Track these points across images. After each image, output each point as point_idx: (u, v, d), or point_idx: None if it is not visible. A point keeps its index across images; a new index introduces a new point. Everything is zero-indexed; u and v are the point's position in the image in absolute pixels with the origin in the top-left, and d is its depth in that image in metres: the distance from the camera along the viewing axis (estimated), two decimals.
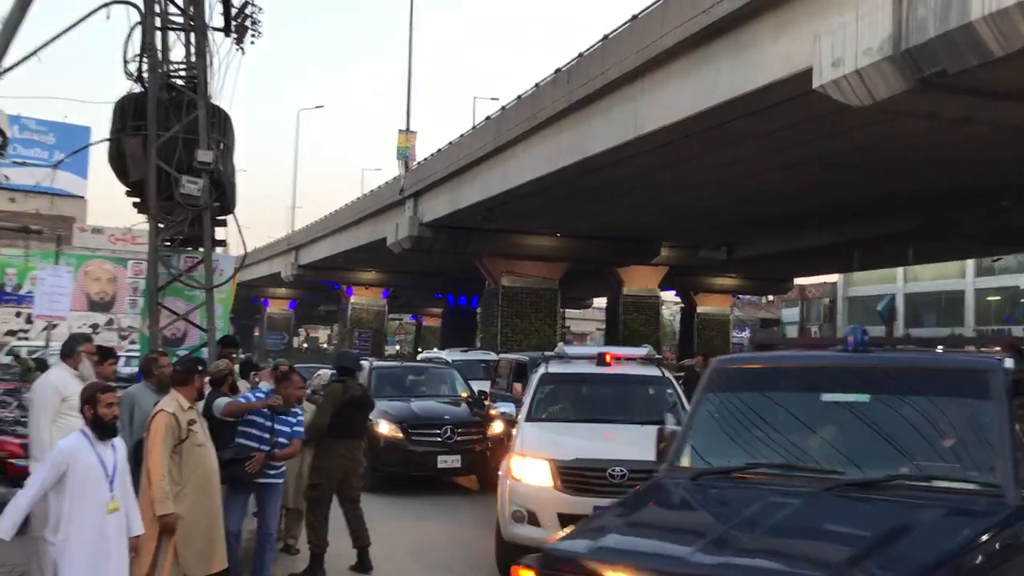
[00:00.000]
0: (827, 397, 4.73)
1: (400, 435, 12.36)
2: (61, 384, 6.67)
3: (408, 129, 37.43)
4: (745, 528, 3.80)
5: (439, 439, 12.37)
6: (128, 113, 10.25)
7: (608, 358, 9.55)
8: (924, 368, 4.67)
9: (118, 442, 5.20)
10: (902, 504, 3.95)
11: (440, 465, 12.37)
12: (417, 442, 12.38)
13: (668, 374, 9.98)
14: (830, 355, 4.97)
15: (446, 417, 12.77)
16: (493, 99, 62.49)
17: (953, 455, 4.24)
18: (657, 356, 10.50)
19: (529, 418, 8.98)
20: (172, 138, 10.04)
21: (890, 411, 4.44)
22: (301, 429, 7.43)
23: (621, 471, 7.61)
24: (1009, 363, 4.38)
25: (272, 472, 7.17)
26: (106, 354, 7.79)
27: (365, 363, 15.24)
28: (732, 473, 4.45)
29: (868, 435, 4.46)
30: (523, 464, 8.01)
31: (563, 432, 8.71)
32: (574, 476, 7.77)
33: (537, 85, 22.11)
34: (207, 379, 7.40)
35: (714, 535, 3.73)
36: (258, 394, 7.27)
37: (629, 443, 7.78)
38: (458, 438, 12.47)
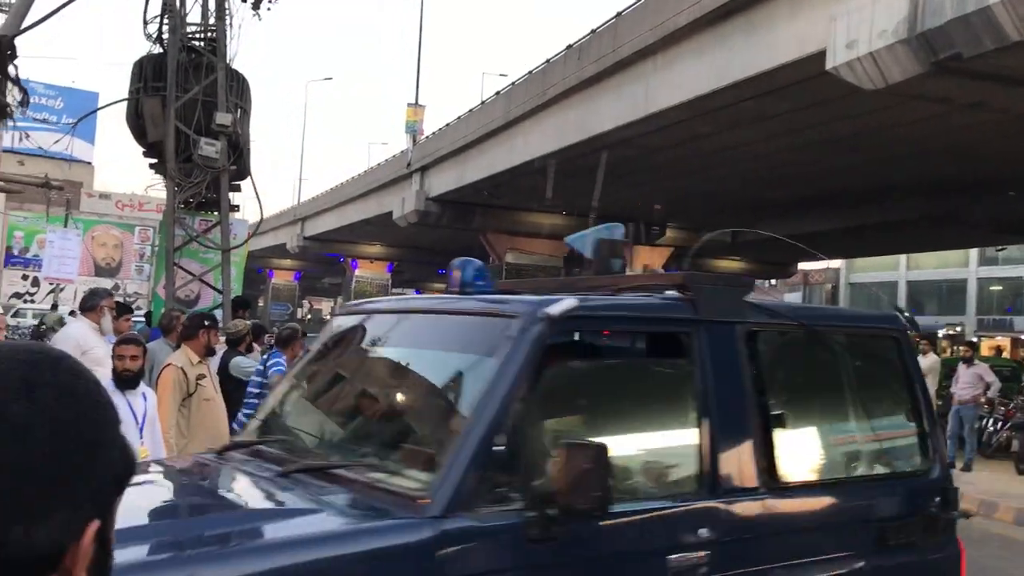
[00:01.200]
0: (377, 352, 3.92)
1: None
2: (81, 338, 6.72)
3: (417, 103, 37.34)
4: None
5: None
6: (147, 74, 10.31)
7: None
8: (469, 313, 3.47)
9: (149, 392, 5.30)
10: (276, 503, 3.02)
11: None
12: None
13: None
14: (422, 298, 4.03)
15: None
16: (502, 75, 62.45)
17: (440, 439, 3.14)
18: None
19: None
20: (191, 100, 10.11)
21: (422, 372, 3.53)
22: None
23: None
24: (560, 308, 3.02)
25: None
26: (123, 310, 7.93)
27: None
28: (258, 446, 3.55)
29: (386, 403, 3.62)
30: None
31: None
32: None
33: (548, 61, 22.07)
34: (224, 338, 7.54)
35: None
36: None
37: None
38: None
